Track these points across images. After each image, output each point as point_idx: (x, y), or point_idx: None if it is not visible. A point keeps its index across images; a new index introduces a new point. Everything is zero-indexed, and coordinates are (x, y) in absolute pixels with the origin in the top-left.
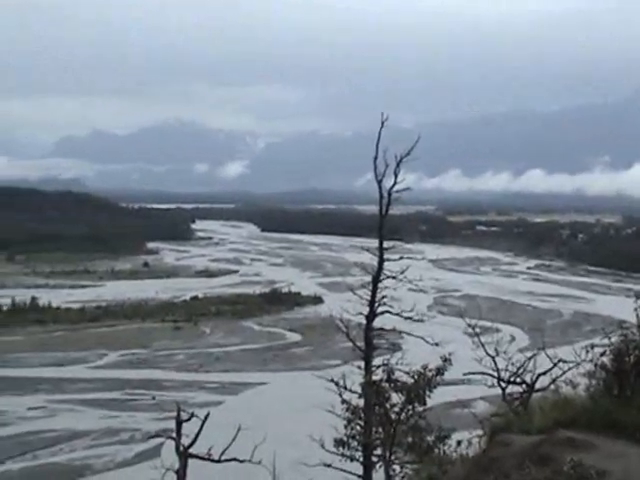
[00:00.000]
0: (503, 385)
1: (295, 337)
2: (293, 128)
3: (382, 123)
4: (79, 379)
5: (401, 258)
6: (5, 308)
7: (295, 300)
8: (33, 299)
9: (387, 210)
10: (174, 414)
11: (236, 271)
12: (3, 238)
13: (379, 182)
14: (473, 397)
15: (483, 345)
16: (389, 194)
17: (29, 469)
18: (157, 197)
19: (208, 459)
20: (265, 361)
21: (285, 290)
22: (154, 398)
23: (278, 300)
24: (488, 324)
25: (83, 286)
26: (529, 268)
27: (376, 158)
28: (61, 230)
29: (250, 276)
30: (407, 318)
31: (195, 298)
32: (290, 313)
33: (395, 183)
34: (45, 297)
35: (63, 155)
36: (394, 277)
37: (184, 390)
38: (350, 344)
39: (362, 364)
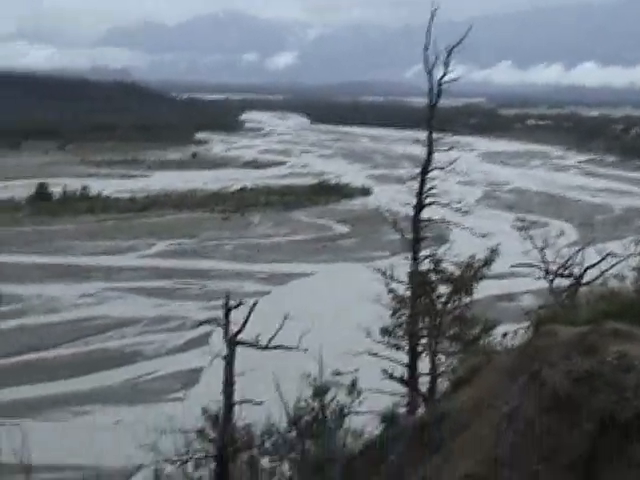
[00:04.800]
0: (550, 278)
1: (343, 229)
2: (344, 19)
3: (432, 13)
4: (129, 268)
5: (450, 149)
6: (56, 197)
7: (344, 192)
8: (84, 188)
9: (436, 101)
10: (222, 303)
11: (285, 162)
12: (53, 127)
13: (429, 72)
14: (519, 290)
15: (531, 238)
16: (439, 85)
17: (81, 354)
18: (206, 88)
19: (255, 346)
20: (313, 252)
21: (334, 182)
22: (203, 287)
23: (327, 191)
24: (537, 218)
25: (132, 176)
26: (580, 162)
27: (427, 48)
28: (111, 120)
29: (299, 167)
30: (455, 210)
31: (243, 189)
32: (338, 205)
33: (445, 74)
34: (95, 186)
35: (113, 45)
36: (442, 168)
37: (232, 280)
38: (398, 236)
39: (409, 255)
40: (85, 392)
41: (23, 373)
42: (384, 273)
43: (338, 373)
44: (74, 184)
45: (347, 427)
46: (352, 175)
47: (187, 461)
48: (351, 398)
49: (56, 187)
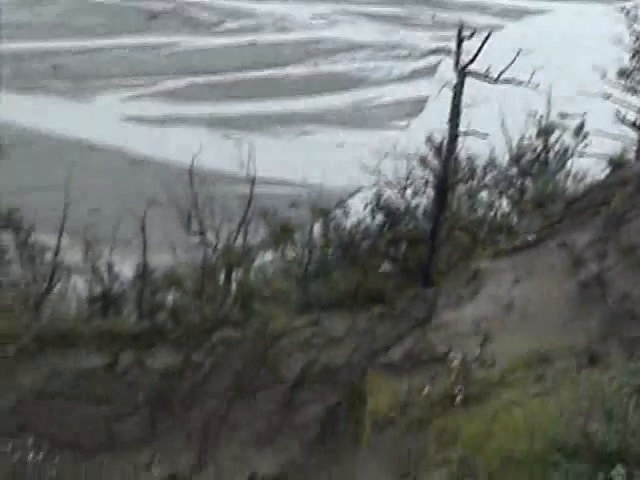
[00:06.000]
0: None
1: None
2: None
3: None
4: None
5: None
6: None
7: None
8: None
9: None
10: (455, 33)
11: None
12: None
13: None
14: None
15: None
16: None
17: (309, 75)
18: None
19: (486, 78)
20: None
21: None
22: (434, 16)
23: None
24: None
25: None
26: None
27: None
28: None
29: None
30: None
31: None
32: None
33: None
34: None
35: None
36: None
37: (465, 11)
38: None
39: None
40: (310, 112)
41: (253, 88)
42: (628, 13)
43: (565, 115)
44: None
45: (569, 169)
46: None
47: (407, 187)
48: (577, 141)
49: None
